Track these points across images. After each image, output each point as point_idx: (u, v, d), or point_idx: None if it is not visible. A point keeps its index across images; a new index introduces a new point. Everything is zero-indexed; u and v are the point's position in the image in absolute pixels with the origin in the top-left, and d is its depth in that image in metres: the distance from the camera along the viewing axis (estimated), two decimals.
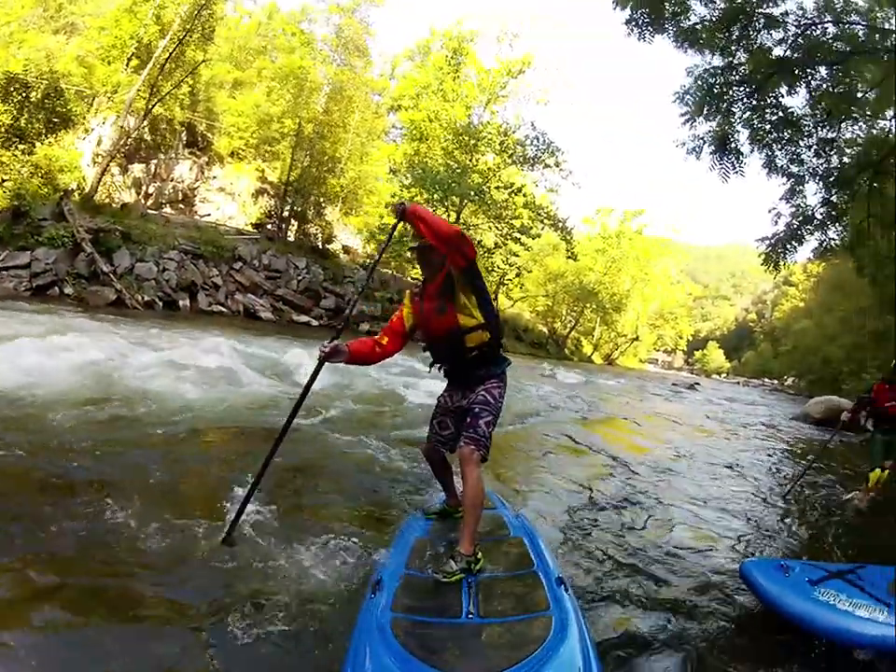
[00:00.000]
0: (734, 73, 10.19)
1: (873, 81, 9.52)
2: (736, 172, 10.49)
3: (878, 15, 9.45)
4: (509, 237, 28.59)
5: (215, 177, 30.44)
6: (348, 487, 4.81)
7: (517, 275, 31.41)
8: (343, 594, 2.96)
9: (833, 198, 10.96)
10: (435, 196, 26.15)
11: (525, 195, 28.33)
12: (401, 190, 27.53)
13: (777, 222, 11.50)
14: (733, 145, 10.45)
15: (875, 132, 10.64)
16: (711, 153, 10.55)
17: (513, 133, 29.04)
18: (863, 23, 9.34)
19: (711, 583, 3.86)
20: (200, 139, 30.21)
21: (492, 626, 2.23)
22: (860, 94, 9.90)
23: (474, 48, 30.01)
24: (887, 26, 9.30)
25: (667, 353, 70.86)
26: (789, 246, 11.37)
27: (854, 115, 10.14)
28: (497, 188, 28.53)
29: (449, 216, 27.65)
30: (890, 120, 10.33)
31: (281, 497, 4.33)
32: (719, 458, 9.01)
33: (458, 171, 27.36)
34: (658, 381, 34.42)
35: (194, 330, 12.71)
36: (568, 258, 31.23)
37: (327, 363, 3.13)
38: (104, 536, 3.13)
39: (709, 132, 10.59)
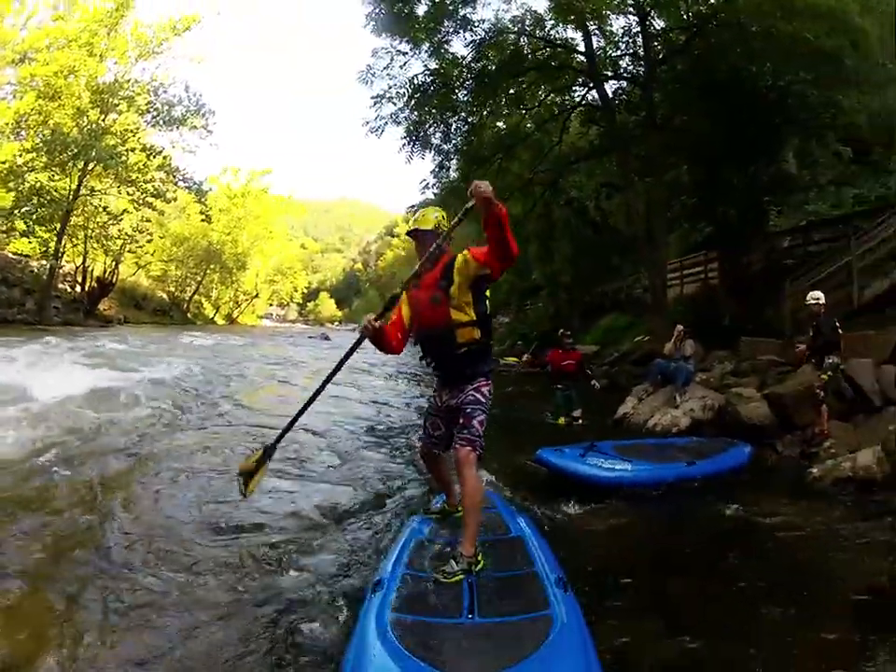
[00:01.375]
0: (434, 76, 11.97)
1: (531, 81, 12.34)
2: (422, 157, 12.51)
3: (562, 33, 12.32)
4: (141, 202, 26.53)
5: None
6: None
7: (149, 241, 29.35)
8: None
9: (472, 173, 13.69)
10: (56, 160, 23.21)
11: (164, 157, 26.70)
12: (18, 155, 23.22)
13: (424, 192, 14.03)
14: (423, 134, 12.35)
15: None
16: (403, 138, 12.35)
17: (164, 92, 27.01)
18: (550, 41, 11.90)
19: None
20: None
21: (492, 626, 2.30)
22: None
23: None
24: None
25: (281, 306, 72.77)
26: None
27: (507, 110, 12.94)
28: (134, 150, 26.12)
29: (71, 181, 24.53)
30: (524, 112, 13.21)
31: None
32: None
33: (92, 133, 24.16)
34: (292, 335, 36.28)
35: None
36: (203, 220, 30.65)
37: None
38: None
39: (392, 114, 12.35)
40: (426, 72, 12.20)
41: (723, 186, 14.08)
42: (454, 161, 13.91)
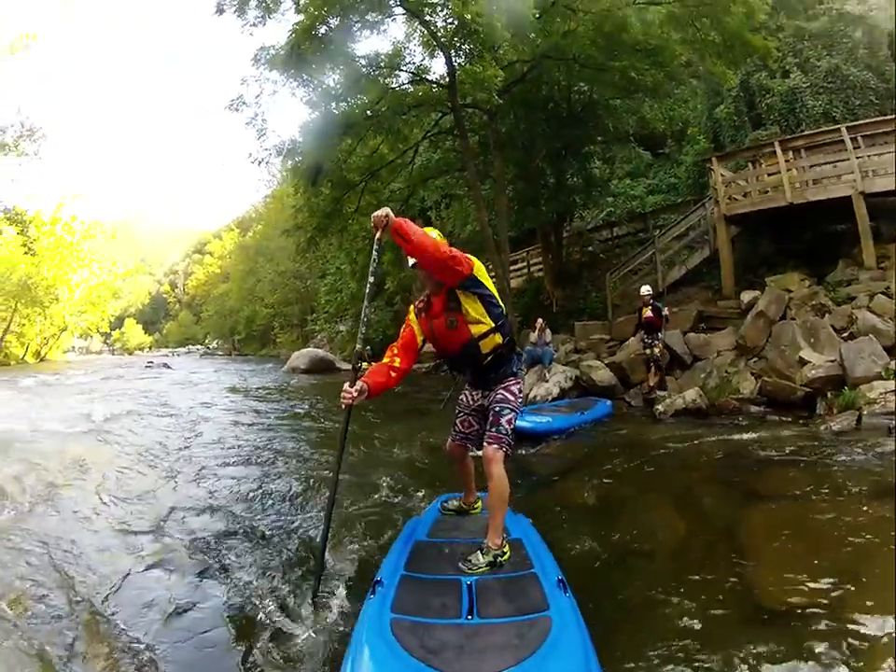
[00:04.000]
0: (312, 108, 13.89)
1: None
2: (315, 187, 14.11)
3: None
4: None
5: None
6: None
7: None
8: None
9: (342, 197, 15.48)
10: None
11: None
12: None
13: (296, 216, 15.70)
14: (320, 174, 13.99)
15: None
16: (306, 180, 14.55)
17: None
18: (420, 77, 14.50)
19: None
20: None
21: (491, 627, 2.33)
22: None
23: None
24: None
25: (83, 338, 67.07)
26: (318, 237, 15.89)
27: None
28: None
29: None
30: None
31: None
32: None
33: None
34: (128, 367, 34.63)
35: None
36: (26, 253, 28.65)
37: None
38: None
39: (276, 146, 14.52)
40: (316, 111, 14.14)
41: (544, 189, 16.96)
42: (323, 188, 15.61)
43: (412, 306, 3.41)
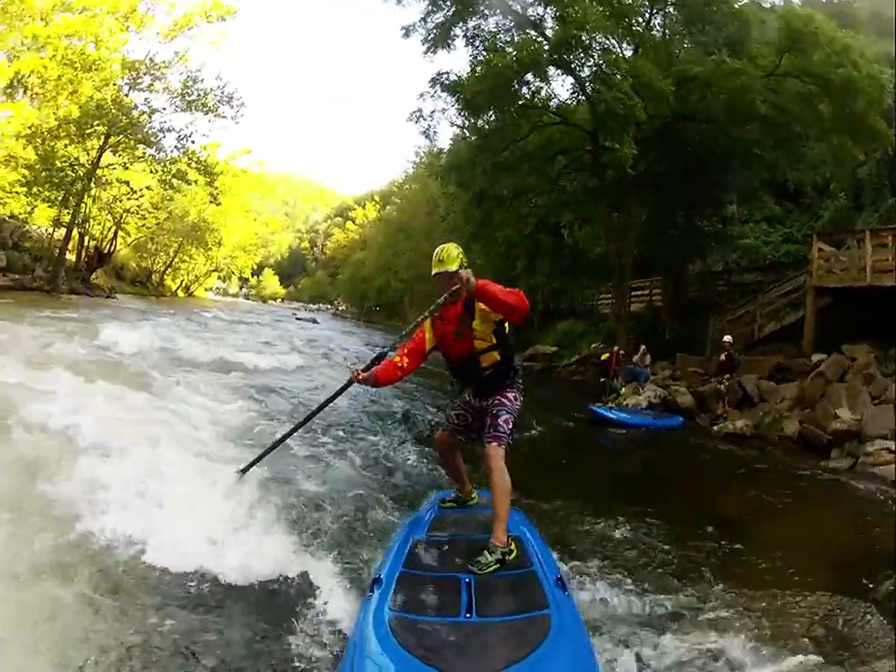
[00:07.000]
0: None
1: None
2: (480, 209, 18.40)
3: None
4: (165, 183, 28.06)
5: None
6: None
7: (166, 219, 32.50)
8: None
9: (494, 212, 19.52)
10: (85, 131, 24.34)
11: (193, 142, 28.02)
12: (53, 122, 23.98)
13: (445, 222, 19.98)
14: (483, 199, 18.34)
15: None
16: (473, 204, 18.50)
17: (202, 81, 27.45)
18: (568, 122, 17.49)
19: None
20: None
21: (490, 626, 2.42)
22: None
23: None
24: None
25: (221, 279, 73.31)
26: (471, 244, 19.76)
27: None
28: (163, 131, 27.45)
29: (89, 153, 25.63)
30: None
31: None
32: None
33: (123, 107, 25.34)
34: (280, 315, 40.39)
35: None
36: (211, 202, 32.34)
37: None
38: None
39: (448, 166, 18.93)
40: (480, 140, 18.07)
41: (675, 230, 19.09)
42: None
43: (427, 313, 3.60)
